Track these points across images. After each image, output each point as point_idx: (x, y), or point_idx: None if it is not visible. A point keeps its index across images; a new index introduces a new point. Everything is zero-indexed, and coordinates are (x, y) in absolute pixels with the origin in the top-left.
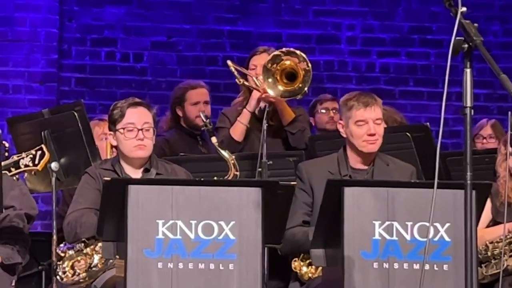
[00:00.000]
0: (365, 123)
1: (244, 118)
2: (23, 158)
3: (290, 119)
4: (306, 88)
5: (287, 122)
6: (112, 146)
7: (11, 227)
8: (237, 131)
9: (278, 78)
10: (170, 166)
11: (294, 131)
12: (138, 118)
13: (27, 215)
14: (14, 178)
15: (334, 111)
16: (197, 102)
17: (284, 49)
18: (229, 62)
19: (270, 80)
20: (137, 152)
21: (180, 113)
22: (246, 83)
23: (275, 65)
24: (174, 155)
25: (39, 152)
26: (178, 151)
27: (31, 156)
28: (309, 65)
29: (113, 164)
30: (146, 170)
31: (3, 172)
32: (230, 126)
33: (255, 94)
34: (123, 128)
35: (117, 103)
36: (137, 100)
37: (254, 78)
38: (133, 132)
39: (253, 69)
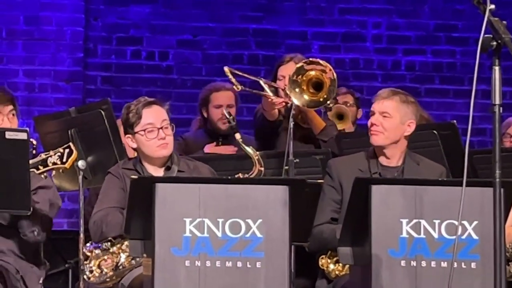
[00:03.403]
0: (372, 115)
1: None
2: (50, 156)
3: (321, 127)
4: (329, 101)
5: (318, 131)
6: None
7: (35, 209)
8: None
9: (305, 88)
10: (193, 163)
11: (326, 138)
12: (155, 117)
13: (51, 201)
14: (42, 176)
15: (346, 105)
16: (220, 105)
17: (306, 60)
18: (226, 69)
19: (297, 90)
20: (161, 152)
21: (205, 115)
22: (247, 89)
23: (300, 76)
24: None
25: (66, 150)
26: (193, 151)
27: (59, 154)
28: (334, 75)
29: (135, 164)
30: (168, 168)
31: (31, 170)
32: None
33: (265, 105)
34: (144, 130)
35: (129, 105)
36: (149, 99)
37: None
38: (153, 132)
39: (281, 79)
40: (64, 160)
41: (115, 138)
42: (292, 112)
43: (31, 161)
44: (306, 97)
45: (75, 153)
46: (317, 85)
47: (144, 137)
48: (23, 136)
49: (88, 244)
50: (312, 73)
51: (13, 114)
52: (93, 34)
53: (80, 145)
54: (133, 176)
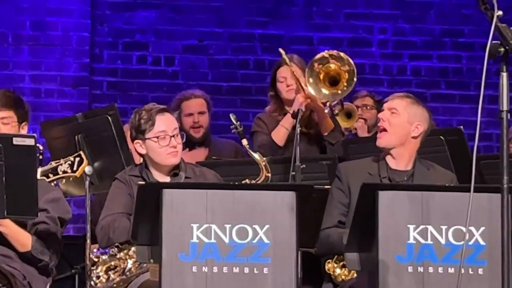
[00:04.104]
0: (381, 111)
1: (287, 122)
2: (61, 164)
3: (330, 128)
4: (334, 102)
5: (327, 132)
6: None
7: (45, 230)
8: (279, 135)
9: (321, 78)
10: (199, 169)
11: (334, 141)
12: (168, 125)
13: (60, 219)
14: (52, 184)
15: (366, 107)
16: (191, 114)
17: (333, 53)
18: (281, 50)
19: (311, 80)
20: (170, 160)
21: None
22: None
23: (321, 66)
24: None
25: (77, 159)
26: None
27: (69, 162)
28: (353, 65)
29: (141, 171)
30: (175, 175)
31: (41, 178)
32: (267, 131)
33: (300, 98)
34: (157, 137)
35: (139, 111)
36: (160, 106)
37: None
38: (166, 139)
39: (282, 81)
40: (75, 168)
41: (121, 144)
42: (299, 117)
43: (41, 169)
44: (323, 89)
45: (85, 161)
46: (333, 81)
47: (157, 144)
48: (30, 142)
49: (95, 250)
50: (332, 66)
51: (7, 122)
52: (99, 40)
53: (87, 150)
54: (140, 182)
